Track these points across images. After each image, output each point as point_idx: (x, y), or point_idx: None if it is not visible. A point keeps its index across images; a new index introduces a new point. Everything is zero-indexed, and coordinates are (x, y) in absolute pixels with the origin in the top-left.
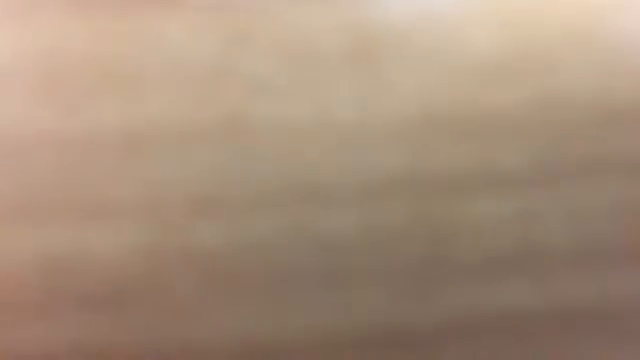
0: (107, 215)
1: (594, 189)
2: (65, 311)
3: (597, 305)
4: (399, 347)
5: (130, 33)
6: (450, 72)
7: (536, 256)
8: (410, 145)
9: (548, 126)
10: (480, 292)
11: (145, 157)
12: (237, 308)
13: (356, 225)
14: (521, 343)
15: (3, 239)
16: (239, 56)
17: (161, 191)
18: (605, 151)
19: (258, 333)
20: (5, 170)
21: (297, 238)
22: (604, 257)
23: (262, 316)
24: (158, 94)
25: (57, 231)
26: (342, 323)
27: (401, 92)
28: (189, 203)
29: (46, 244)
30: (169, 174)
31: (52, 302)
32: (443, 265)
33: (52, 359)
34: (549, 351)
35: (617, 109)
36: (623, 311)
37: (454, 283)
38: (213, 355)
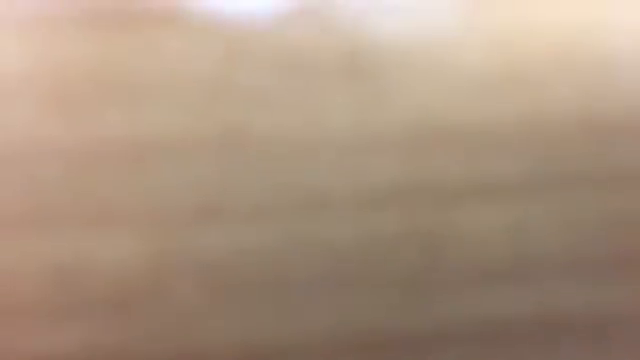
0: (112, 223)
1: (581, 200)
2: (72, 316)
3: (586, 313)
4: (395, 352)
5: (134, 49)
6: (443, 88)
7: (527, 265)
8: (405, 157)
9: (537, 140)
10: (473, 300)
11: (149, 167)
12: (238, 314)
13: (353, 233)
14: (512, 350)
15: (12, 247)
16: (239, 70)
17: (164, 200)
18: (591, 164)
19: (259, 338)
20: (14, 179)
21: (295, 246)
22: (593, 266)
23: (263, 322)
24: (161, 106)
25: (64, 239)
26: (339, 329)
27: (396, 106)
28: (191, 212)
29: (53, 251)
30: (172, 184)
31: (59, 307)
32: (438, 273)
33: None
34: (540, 358)
35: (603, 124)
36: (611, 319)
37: (448, 290)
38: None
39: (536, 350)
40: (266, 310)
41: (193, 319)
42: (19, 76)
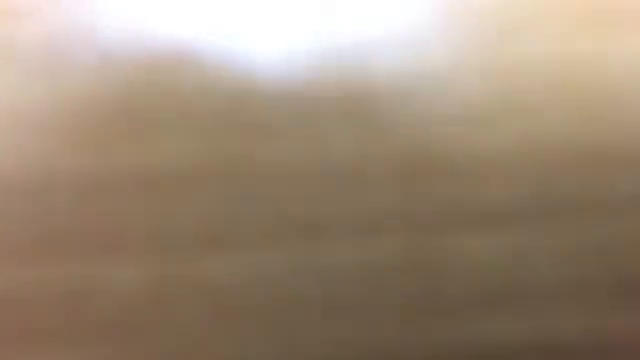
0: (121, 251)
1: (579, 228)
2: (81, 342)
3: (586, 341)
4: None
5: (149, 83)
6: (441, 118)
7: (524, 291)
8: (402, 184)
9: (534, 168)
10: (470, 326)
11: (158, 196)
12: (243, 340)
13: (352, 260)
14: None
15: (22, 273)
16: (246, 105)
17: (172, 228)
18: (589, 191)
19: None
20: (25, 207)
21: (297, 272)
22: (592, 294)
23: (266, 347)
24: (171, 138)
25: (74, 266)
26: (339, 354)
27: (394, 136)
28: (199, 239)
29: (63, 278)
30: (180, 212)
31: (68, 334)
32: (435, 299)
33: None
34: None
35: (599, 152)
36: (612, 347)
37: (445, 316)
38: None
39: None
40: (269, 336)
41: (199, 345)
42: (36, 108)
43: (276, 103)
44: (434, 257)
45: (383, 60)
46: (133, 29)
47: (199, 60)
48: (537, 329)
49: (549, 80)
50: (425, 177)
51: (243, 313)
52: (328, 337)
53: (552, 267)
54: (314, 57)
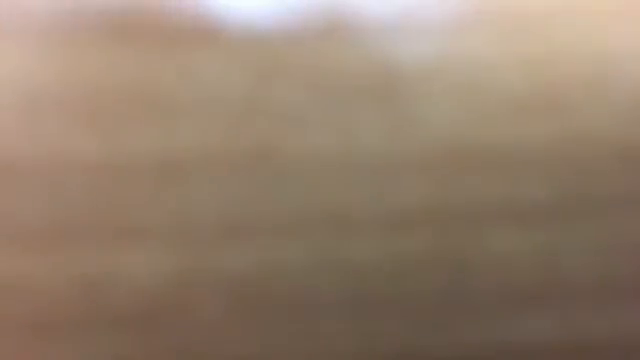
0: (140, 239)
1: (614, 225)
2: (98, 330)
3: (616, 341)
4: None
5: (167, 66)
6: (474, 108)
7: (556, 290)
8: (434, 177)
9: (569, 163)
10: (499, 325)
11: (178, 184)
12: (263, 331)
13: (379, 254)
14: None
15: (40, 261)
16: (270, 89)
17: (193, 217)
18: (624, 188)
19: (283, 356)
20: (42, 192)
21: (322, 265)
22: (624, 292)
23: (287, 340)
24: (192, 123)
25: (91, 253)
26: (363, 350)
27: (426, 125)
28: (219, 229)
29: (80, 265)
30: (201, 201)
31: (86, 321)
32: (463, 296)
33: None
34: None
35: (636, 149)
36: None
37: (474, 314)
38: None
39: None
40: (291, 328)
41: (219, 335)
42: (49, 90)
43: (303, 88)
44: (463, 254)
45: (417, 47)
46: (150, 4)
47: (220, 39)
48: (570, 328)
49: (588, 74)
50: (457, 170)
51: (266, 305)
52: (353, 333)
53: (587, 266)
54: (344, 41)
